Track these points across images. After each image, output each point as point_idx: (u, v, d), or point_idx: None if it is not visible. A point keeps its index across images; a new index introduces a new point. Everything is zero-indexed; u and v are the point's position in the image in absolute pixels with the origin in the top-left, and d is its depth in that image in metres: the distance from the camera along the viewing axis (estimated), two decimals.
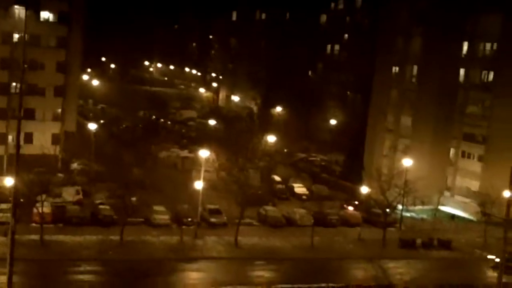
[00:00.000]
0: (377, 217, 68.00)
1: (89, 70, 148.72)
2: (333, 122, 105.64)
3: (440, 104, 79.17)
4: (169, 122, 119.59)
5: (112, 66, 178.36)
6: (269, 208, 69.08)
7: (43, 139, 77.15)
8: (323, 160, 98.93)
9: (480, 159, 77.60)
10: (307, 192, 79.19)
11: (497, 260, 57.81)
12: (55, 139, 79.98)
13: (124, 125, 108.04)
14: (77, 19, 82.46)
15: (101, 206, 63.21)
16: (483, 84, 78.18)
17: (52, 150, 75.90)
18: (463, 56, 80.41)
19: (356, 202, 73.49)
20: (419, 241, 64.38)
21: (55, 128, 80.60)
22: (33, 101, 76.69)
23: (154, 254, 56.29)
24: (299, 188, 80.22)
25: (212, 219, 64.90)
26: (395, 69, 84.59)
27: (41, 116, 79.73)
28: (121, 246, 56.92)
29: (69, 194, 66.38)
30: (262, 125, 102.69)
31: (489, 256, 59.55)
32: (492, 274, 56.18)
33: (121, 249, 56.34)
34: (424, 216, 73.56)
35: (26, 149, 72.12)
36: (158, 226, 62.41)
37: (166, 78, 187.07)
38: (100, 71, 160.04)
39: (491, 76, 77.80)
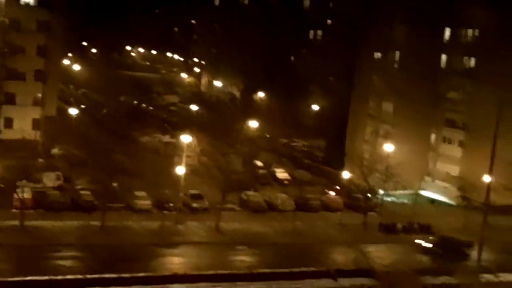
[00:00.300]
0: (358, 202, 68.41)
1: (70, 54, 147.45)
2: (315, 107, 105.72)
3: (421, 90, 79.18)
4: (151, 107, 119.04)
5: (94, 50, 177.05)
6: (250, 193, 69.05)
7: (23, 124, 76.68)
8: (305, 145, 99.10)
9: (461, 144, 78.13)
10: (289, 177, 79.39)
11: (425, 244, 58.81)
12: (36, 124, 79.29)
13: (105, 110, 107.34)
14: (58, 3, 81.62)
15: (82, 192, 62.90)
16: (464, 70, 78.48)
17: (32, 135, 75.40)
18: (445, 42, 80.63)
19: (338, 187, 73.83)
20: (399, 225, 64.91)
21: (36, 113, 79.73)
22: (13, 85, 76.34)
23: (135, 239, 56.27)
24: (281, 173, 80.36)
25: (194, 204, 64.87)
26: (378, 55, 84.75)
27: (22, 101, 78.94)
28: (102, 231, 56.81)
29: (50, 179, 65.93)
30: (245, 110, 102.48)
31: (417, 241, 60.21)
32: (421, 259, 57.01)
33: (102, 234, 56.22)
34: (405, 200, 74.03)
35: (6, 134, 71.97)
36: (140, 212, 62.32)
37: (148, 63, 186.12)
38: (81, 55, 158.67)
39: (472, 62, 78.17)
